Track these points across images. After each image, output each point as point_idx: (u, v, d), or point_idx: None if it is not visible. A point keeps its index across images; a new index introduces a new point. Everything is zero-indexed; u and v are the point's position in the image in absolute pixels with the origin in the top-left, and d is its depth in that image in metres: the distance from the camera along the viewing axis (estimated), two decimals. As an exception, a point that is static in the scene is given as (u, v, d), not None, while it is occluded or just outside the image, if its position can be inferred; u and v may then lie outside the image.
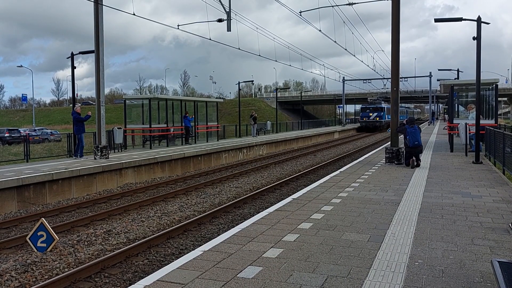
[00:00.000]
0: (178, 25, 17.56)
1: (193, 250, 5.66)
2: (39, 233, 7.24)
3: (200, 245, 6.35)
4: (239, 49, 20.55)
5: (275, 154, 25.85)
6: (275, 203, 8.83)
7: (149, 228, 8.97)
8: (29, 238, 7.29)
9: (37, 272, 6.43)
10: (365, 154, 18.97)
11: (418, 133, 13.24)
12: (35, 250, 7.17)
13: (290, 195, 9.69)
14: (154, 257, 7.29)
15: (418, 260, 4.99)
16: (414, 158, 13.28)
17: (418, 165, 13.24)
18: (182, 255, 6.05)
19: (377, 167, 13.44)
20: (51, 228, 7.32)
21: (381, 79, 58.60)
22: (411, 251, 5.31)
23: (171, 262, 5.72)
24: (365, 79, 63.61)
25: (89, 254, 7.32)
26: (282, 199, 9.98)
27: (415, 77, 67.13)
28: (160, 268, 5.90)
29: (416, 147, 13.16)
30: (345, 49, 26.14)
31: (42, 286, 5.76)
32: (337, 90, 63.70)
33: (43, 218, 7.31)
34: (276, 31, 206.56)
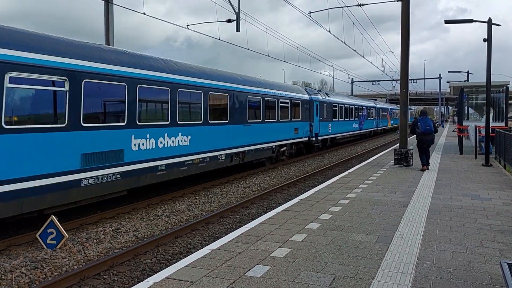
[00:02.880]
0: (187, 25, 17.63)
1: (201, 249, 5.70)
2: (48, 230, 7.32)
3: (208, 244, 6.38)
4: (248, 49, 20.59)
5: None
6: (283, 204, 8.84)
7: (157, 227, 9.02)
8: (39, 235, 7.36)
9: (47, 269, 6.50)
10: (373, 156, 18.90)
11: (429, 120, 13.00)
12: (45, 247, 7.25)
13: (298, 195, 9.69)
14: (162, 256, 7.33)
15: (426, 261, 4.97)
16: (425, 160, 13.13)
17: (427, 168, 13.16)
18: (190, 254, 6.09)
19: (385, 169, 13.39)
20: (61, 225, 7.39)
21: (390, 80, 58.40)
22: (420, 252, 5.29)
23: (179, 260, 5.76)
24: (374, 81, 63.44)
25: (98, 251, 7.38)
26: (290, 199, 9.99)
27: (424, 78, 66.77)
28: (168, 266, 5.94)
29: (429, 133, 12.74)
30: (354, 50, 26.08)
31: (51, 283, 5.82)
32: (346, 91, 63.47)
33: (53, 216, 7.38)
34: (288, 33, 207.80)
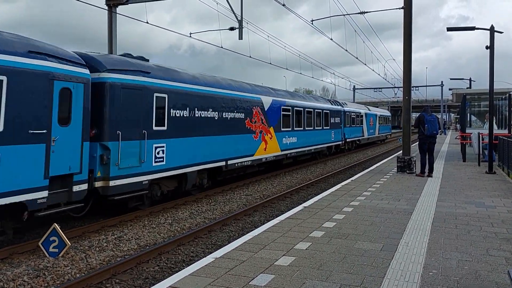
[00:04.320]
0: (190, 34, 17.71)
1: (205, 257, 5.65)
2: (51, 238, 7.28)
3: (211, 252, 6.34)
4: (250, 57, 20.65)
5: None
6: (286, 211, 8.80)
7: (159, 235, 8.98)
8: (41, 243, 7.33)
9: (49, 277, 6.46)
10: (376, 163, 18.85)
11: (436, 123, 13.06)
12: (47, 255, 7.21)
13: (301, 203, 9.64)
14: (165, 264, 7.28)
15: (432, 270, 4.92)
16: (427, 168, 13.12)
17: (430, 175, 13.10)
18: (194, 262, 6.05)
19: (388, 176, 13.34)
20: (63, 233, 7.36)
21: (392, 88, 58.47)
22: (425, 261, 5.24)
23: (182, 269, 5.72)
24: (376, 88, 63.56)
25: (100, 260, 7.34)
26: (293, 207, 9.94)
27: (426, 86, 66.83)
28: (171, 275, 5.89)
29: (433, 136, 13.00)
30: (356, 58, 26.12)
31: (54, 291, 5.78)
32: (348, 99, 63.55)
33: (55, 224, 7.35)
34: (291, 40, 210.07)
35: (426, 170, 13.17)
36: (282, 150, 17.97)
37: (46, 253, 7.25)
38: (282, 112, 17.89)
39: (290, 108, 18.87)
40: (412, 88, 15.34)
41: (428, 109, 13.27)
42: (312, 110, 21.68)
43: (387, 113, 48.51)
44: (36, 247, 7.49)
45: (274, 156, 17.32)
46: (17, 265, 6.86)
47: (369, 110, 37.98)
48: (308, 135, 20.92)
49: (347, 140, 28.84)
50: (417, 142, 14.19)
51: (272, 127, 17.02)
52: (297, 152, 19.69)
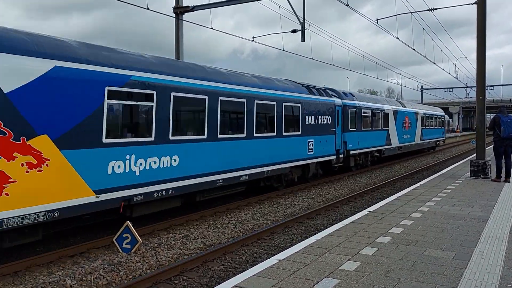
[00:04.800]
0: (253, 38, 17.95)
1: (268, 258, 5.70)
2: (124, 235, 7.72)
3: (274, 254, 6.38)
4: (312, 59, 20.53)
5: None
6: (350, 216, 8.64)
7: (224, 235, 9.18)
8: (115, 240, 7.79)
9: (122, 272, 6.84)
10: (447, 167, 17.93)
11: None
12: (121, 251, 7.65)
13: (366, 208, 9.42)
14: (229, 264, 7.43)
15: (510, 281, 4.60)
16: (504, 172, 12.29)
17: (507, 181, 12.25)
18: (257, 263, 6.12)
19: (461, 181, 12.64)
20: (135, 230, 7.77)
21: (464, 87, 55.34)
22: (502, 271, 4.91)
23: (246, 269, 5.82)
24: (446, 88, 60.48)
25: (168, 257, 7.65)
26: (357, 211, 9.73)
27: (502, 85, 62.57)
28: (235, 274, 6.01)
29: (510, 138, 12.15)
30: (425, 57, 25.03)
31: (127, 285, 6.12)
32: (415, 100, 60.99)
33: (128, 221, 7.78)
34: (355, 41, 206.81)
35: (503, 175, 12.33)
36: (101, 192, 7.74)
37: (120, 248, 7.69)
38: (109, 101, 7.78)
39: (154, 93, 8.67)
40: (486, 88, 14.42)
41: (504, 109, 12.46)
42: (242, 101, 11.46)
43: (437, 111, 35.28)
44: (111, 243, 7.97)
45: (46, 213, 6.81)
46: (94, 259, 7.34)
47: (402, 106, 26.39)
48: (228, 148, 10.94)
49: (352, 152, 18.46)
50: (492, 145, 13.34)
51: (47, 135, 6.80)
52: (183, 188, 9.56)
